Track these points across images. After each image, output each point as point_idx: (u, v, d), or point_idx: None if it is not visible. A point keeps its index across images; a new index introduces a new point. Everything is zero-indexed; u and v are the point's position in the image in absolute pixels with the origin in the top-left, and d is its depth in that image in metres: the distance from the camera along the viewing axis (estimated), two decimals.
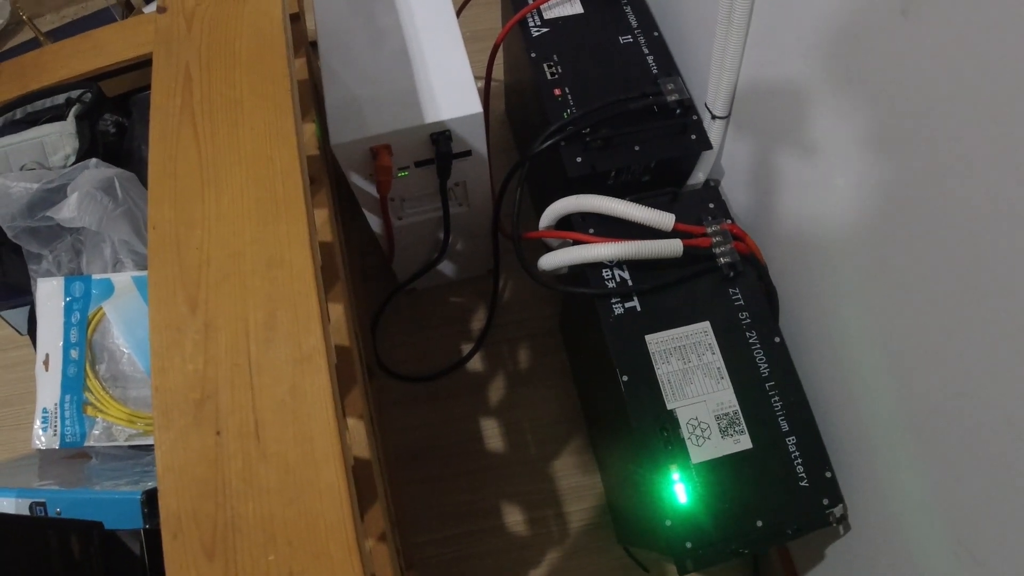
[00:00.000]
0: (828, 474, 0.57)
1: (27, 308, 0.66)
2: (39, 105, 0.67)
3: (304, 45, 0.67)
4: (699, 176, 0.72)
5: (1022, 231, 0.35)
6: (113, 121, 0.63)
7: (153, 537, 0.42)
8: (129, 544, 0.41)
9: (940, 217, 0.41)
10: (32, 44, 1.14)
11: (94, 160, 0.57)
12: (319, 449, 0.29)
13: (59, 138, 0.61)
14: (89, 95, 0.64)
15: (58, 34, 1.14)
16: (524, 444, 0.85)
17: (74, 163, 0.60)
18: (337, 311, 0.53)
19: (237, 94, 0.38)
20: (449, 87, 0.61)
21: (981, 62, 0.35)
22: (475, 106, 0.60)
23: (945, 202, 0.40)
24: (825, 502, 0.56)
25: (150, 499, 0.44)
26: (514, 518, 0.81)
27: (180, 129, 0.36)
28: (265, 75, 0.38)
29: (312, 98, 0.65)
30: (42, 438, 0.56)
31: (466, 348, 0.89)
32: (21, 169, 0.61)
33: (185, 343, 0.30)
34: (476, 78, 0.82)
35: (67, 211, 0.53)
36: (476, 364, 0.89)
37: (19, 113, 0.67)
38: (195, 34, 0.40)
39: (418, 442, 0.85)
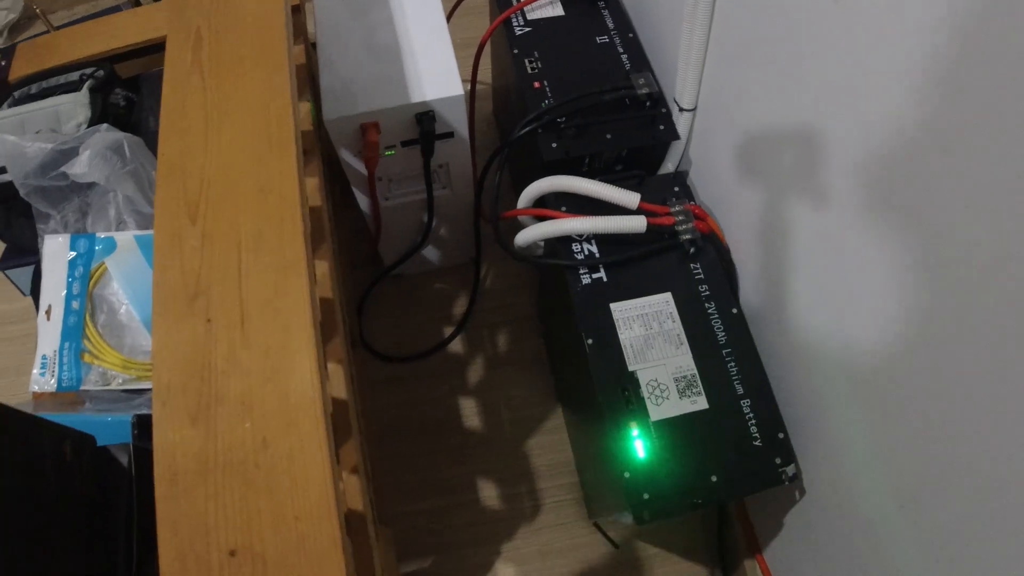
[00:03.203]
0: (781, 435, 0.61)
1: (31, 268, 0.70)
2: (53, 82, 0.72)
3: (303, 35, 0.73)
4: (668, 167, 0.77)
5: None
6: (123, 95, 0.68)
7: (141, 454, 0.45)
8: (118, 456, 0.45)
9: (876, 196, 0.45)
10: None
11: (105, 124, 0.61)
12: (295, 339, 0.33)
13: (73, 107, 0.65)
14: (102, 72, 0.70)
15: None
16: (500, 423, 0.88)
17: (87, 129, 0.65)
18: (323, 267, 0.57)
19: (241, 52, 0.43)
20: (434, 73, 0.67)
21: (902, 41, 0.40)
22: (457, 89, 0.65)
23: (884, 176, 0.45)
24: (778, 461, 0.60)
25: (141, 421, 0.48)
26: (489, 493, 0.84)
27: (190, 78, 0.41)
28: (267, 37, 0.43)
29: (308, 83, 0.70)
30: (38, 382, 0.59)
31: (448, 331, 0.93)
32: (36, 134, 0.66)
33: (185, 247, 0.34)
34: (463, 81, 0.88)
35: (79, 167, 0.57)
36: (457, 347, 0.93)
37: (34, 88, 0.72)
38: (206, 1, 0.45)
39: (399, 420, 0.89)
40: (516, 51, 0.78)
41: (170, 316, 0.33)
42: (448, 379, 0.91)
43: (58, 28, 1.21)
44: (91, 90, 0.66)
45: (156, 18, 0.73)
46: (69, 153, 0.61)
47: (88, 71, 0.70)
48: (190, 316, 0.33)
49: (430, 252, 0.94)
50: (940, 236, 0.39)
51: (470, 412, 0.89)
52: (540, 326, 0.94)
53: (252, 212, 0.36)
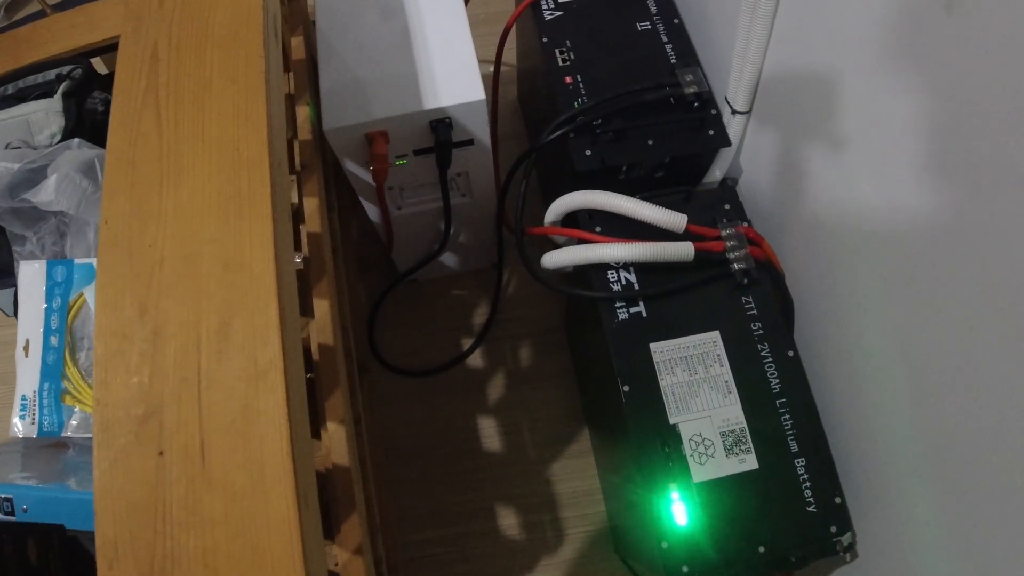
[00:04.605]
0: (838, 500, 0.53)
1: (13, 290, 0.64)
2: (31, 81, 0.64)
3: (303, 23, 0.64)
4: (716, 174, 0.68)
5: None
6: (102, 99, 0.61)
7: None
8: (89, 548, 0.40)
9: (981, 236, 0.37)
10: (38, 16, 1.12)
11: (76, 140, 0.54)
12: (270, 477, 0.26)
13: (45, 116, 0.58)
14: (79, 71, 0.62)
15: (65, 7, 1.12)
16: (523, 445, 0.82)
17: (59, 142, 0.58)
18: (323, 307, 0.50)
19: (206, 75, 0.35)
20: (451, 72, 0.58)
21: None
22: (477, 93, 0.56)
23: (989, 220, 0.36)
24: (833, 529, 0.53)
25: None
26: (509, 521, 0.79)
27: (142, 113, 0.33)
28: (239, 54, 0.35)
29: (309, 79, 0.62)
30: (20, 427, 0.54)
31: (467, 343, 0.87)
32: (7, 147, 0.59)
33: (131, 352, 0.28)
34: (486, 62, 0.78)
35: (45, 194, 0.50)
36: (476, 360, 0.86)
37: (11, 89, 0.65)
38: (167, 9, 0.37)
39: (413, 439, 0.83)
40: (545, 39, 0.68)
41: (114, 447, 0.26)
42: (466, 395, 0.85)
43: (53, 6, 1.13)
44: (65, 95, 0.59)
45: None
46: (39, 172, 0.54)
47: (65, 70, 0.62)
48: (138, 447, 0.26)
49: (448, 258, 0.86)
50: None
51: (489, 432, 0.83)
52: (567, 339, 0.87)
53: (216, 299, 0.29)
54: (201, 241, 0.30)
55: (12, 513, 0.45)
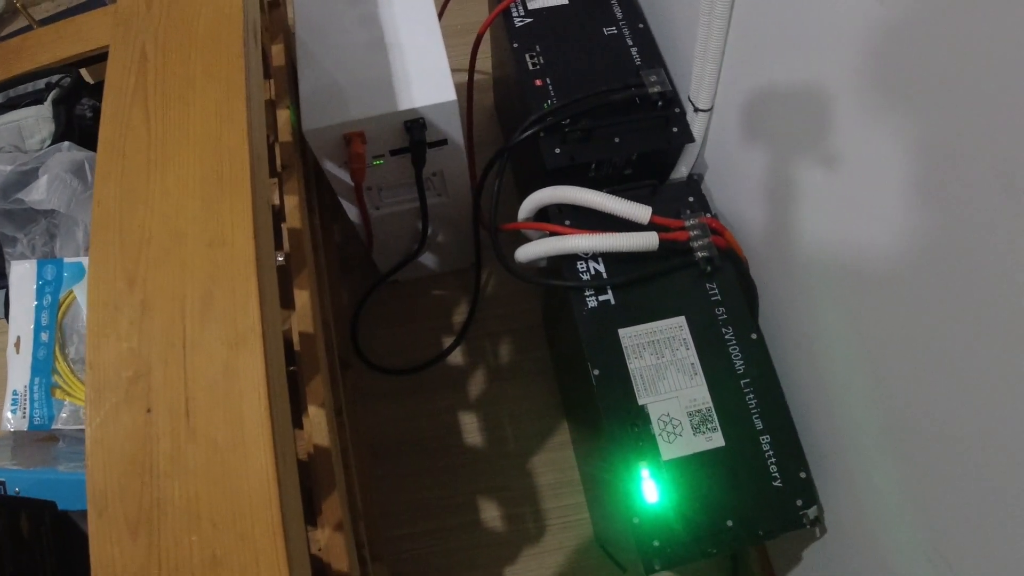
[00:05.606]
0: (803, 475, 0.56)
1: (4, 292, 0.66)
2: (21, 90, 0.67)
3: (283, 31, 0.67)
4: (682, 170, 0.71)
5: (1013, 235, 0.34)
6: (90, 106, 0.63)
7: None
8: (80, 524, 0.41)
9: (926, 222, 0.40)
10: (26, 32, 1.14)
11: (66, 143, 0.57)
12: (249, 432, 0.28)
13: (36, 122, 0.61)
14: (68, 79, 0.65)
15: (52, 22, 1.14)
16: (503, 440, 0.84)
17: (49, 146, 0.60)
18: (303, 298, 0.52)
19: (190, 73, 0.37)
20: (424, 75, 0.61)
21: (961, 50, 0.34)
22: (449, 94, 0.59)
23: (931, 205, 0.39)
24: (799, 503, 0.55)
25: None
26: (491, 514, 0.81)
27: (132, 108, 0.36)
28: (220, 54, 0.38)
29: (289, 84, 0.64)
30: (11, 420, 0.56)
31: (448, 341, 0.89)
32: None
33: (121, 320, 0.30)
34: (462, 71, 0.81)
35: (37, 193, 0.53)
36: (457, 358, 0.89)
37: (1, 98, 0.67)
38: (154, 13, 0.40)
39: (397, 435, 0.85)
40: (516, 45, 0.71)
41: (105, 405, 0.29)
42: (448, 392, 0.87)
43: (41, 21, 1.16)
44: (55, 102, 0.61)
45: None
46: (30, 174, 0.56)
47: (55, 79, 0.65)
48: (127, 405, 0.29)
49: (428, 258, 0.89)
50: None
51: (471, 428, 0.85)
52: (546, 334, 0.89)
53: (199, 272, 0.31)
54: (186, 221, 0.32)
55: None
